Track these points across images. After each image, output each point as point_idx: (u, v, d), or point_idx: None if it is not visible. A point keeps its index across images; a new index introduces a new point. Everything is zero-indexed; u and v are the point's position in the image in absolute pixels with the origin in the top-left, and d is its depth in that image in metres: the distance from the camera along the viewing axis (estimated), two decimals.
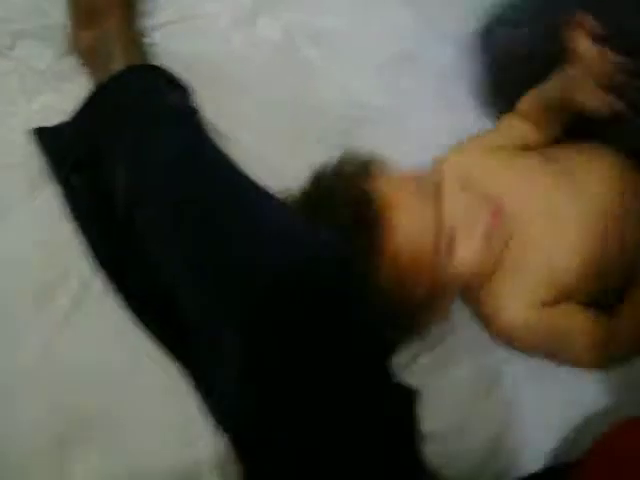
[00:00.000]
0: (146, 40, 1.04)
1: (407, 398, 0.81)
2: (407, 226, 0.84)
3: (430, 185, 0.89)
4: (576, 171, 0.94)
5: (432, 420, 0.87)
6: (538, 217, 0.92)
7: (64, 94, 0.99)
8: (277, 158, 0.98)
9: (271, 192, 0.86)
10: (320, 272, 0.76)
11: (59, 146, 0.94)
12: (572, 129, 0.99)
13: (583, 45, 0.88)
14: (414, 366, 0.93)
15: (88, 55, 0.99)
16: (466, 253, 0.87)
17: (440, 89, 1.06)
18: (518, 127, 0.99)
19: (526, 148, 0.99)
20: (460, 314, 0.96)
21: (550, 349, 0.92)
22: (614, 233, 0.91)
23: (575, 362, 0.92)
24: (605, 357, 0.90)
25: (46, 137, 0.95)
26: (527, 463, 0.91)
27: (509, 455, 0.91)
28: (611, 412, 0.93)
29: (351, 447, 0.73)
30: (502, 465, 0.91)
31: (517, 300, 0.90)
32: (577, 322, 0.89)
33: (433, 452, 0.84)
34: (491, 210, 0.89)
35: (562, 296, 0.91)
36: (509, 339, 0.93)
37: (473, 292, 0.93)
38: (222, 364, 0.76)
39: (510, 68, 1.03)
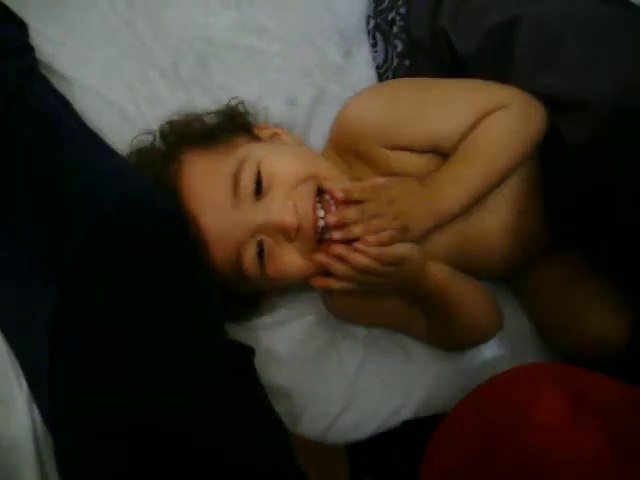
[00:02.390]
0: None
1: (244, 355, 0.78)
2: (204, 227, 0.75)
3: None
4: None
5: (280, 376, 0.87)
6: None
7: None
8: (121, 97, 0.91)
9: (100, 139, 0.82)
10: (147, 223, 0.70)
11: None
12: None
13: None
14: (263, 323, 0.90)
15: None
16: (288, 265, 0.77)
17: (300, 24, 0.99)
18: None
19: None
20: None
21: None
22: None
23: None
24: None
25: None
26: (384, 419, 0.89)
27: (362, 411, 0.89)
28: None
29: (183, 409, 0.68)
30: (355, 421, 0.89)
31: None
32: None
33: (282, 407, 0.82)
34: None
35: None
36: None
37: None
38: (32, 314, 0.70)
39: None
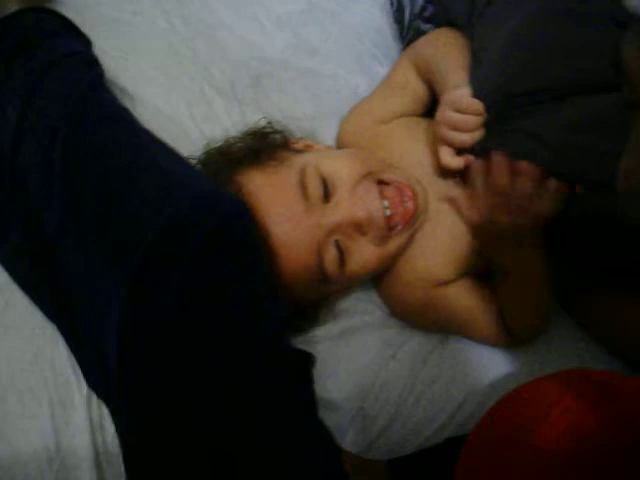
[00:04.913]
0: None
1: (303, 363, 0.79)
2: (281, 237, 0.78)
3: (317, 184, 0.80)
4: None
5: (331, 389, 0.88)
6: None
7: None
8: (180, 113, 0.95)
9: (168, 146, 0.82)
10: (217, 225, 0.70)
11: None
12: None
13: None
14: (315, 336, 0.91)
15: None
16: (367, 258, 0.82)
17: (352, 45, 1.03)
18: (413, 83, 0.95)
19: (416, 108, 0.96)
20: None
21: (450, 327, 0.91)
22: None
23: (482, 338, 0.91)
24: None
25: None
26: (427, 436, 0.90)
27: (407, 428, 0.90)
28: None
29: (241, 412, 0.68)
30: (399, 438, 0.89)
31: (416, 281, 0.87)
32: (477, 301, 0.88)
33: (331, 421, 0.82)
34: (407, 195, 0.82)
35: (462, 271, 0.88)
36: (406, 317, 0.92)
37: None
38: (103, 322, 0.71)
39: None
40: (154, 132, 0.88)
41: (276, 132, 0.92)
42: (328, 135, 0.96)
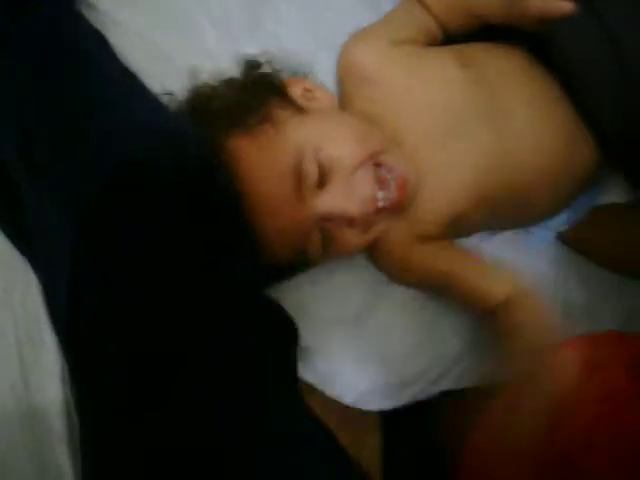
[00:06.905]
0: None
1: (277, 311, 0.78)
2: (266, 224, 0.74)
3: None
4: (495, 84, 0.83)
5: (314, 335, 0.85)
6: (441, 140, 0.82)
7: None
8: (164, 41, 0.88)
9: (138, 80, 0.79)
10: (178, 165, 0.67)
11: None
12: None
13: None
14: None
15: None
16: (350, 244, 0.79)
17: None
18: (420, 18, 0.87)
19: (428, 42, 0.88)
20: None
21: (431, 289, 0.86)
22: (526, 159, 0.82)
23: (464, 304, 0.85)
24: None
25: None
26: (422, 388, 0.86)
27: (400, 378, 0.86)
28: None
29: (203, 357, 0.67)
30: (392, 387, 0.86)
31: (401, 237, 0.82)
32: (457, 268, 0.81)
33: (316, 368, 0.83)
34: (397, 184, 0.77)
35: (452, 227, 0.83)
36: (390, 274, 0.87)
37: None
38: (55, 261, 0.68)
39: None
40: (137, 61, 0.83)
41: (271, 74, 0.85)
42: (324, 68, 0.89)
